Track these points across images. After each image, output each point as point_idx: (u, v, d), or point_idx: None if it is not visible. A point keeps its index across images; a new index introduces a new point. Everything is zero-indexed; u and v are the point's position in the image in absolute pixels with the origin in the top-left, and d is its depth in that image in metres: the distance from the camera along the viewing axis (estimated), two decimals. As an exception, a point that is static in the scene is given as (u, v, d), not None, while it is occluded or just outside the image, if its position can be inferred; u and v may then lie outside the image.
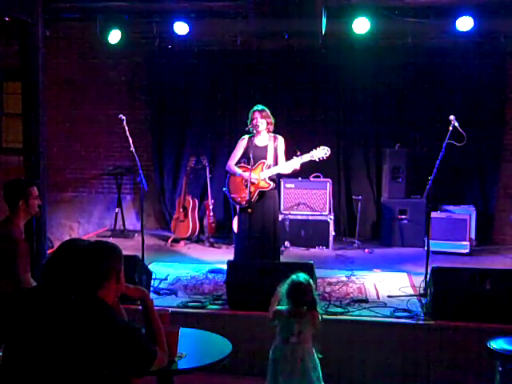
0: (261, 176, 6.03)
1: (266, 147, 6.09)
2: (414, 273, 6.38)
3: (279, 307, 3.79)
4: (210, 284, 6.01)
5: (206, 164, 8.22)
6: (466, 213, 7.79)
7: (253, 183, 6.00)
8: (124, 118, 5.98)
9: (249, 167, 5.96)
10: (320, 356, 3.78)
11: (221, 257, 7.05)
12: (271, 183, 6.07)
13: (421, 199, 7.78)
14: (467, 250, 7.53)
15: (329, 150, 6.02)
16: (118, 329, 2.60)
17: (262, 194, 6.05)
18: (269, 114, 6.08)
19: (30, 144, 6.12)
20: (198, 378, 3.72)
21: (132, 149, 5.97)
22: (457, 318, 4.82)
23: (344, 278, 6.22)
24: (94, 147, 9.31)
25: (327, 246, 7.89)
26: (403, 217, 8.08)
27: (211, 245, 8.10)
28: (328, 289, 5.78)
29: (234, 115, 8.72)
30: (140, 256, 5.57)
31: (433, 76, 8.37)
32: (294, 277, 3.79)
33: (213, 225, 8.23)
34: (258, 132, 6.08)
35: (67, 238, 6.59)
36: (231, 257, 6.38)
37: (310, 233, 7.94)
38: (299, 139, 7.99)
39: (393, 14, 6.42)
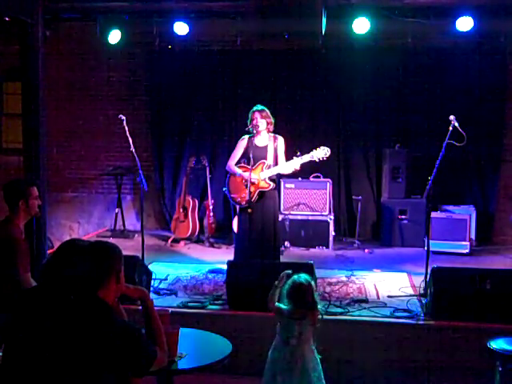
0: (261, 176, 6.02)
1: (265, 147, 6.09)
2: (413, 273, 6.38)
3: (280, 305, 3.78)
4: (210, 284, 6.01)
5: (206, 164, 8.22)
6: (466, 213, 7.79)
7: (253, 183, 6.00)
8: (124, 118, 5.98)
9: (249, 167, 5.96)
10: (320, 356, 3.77)
11: (221, 257, 7.05)
12: (271, 183, 6.06)
13: (421, 199, 7.77)
14: (467, 250, 7.53)
15: (329, 150, 6.02)
16: (118, 329, 2.60)
17: (262, 194, 6.05)
18: (269, 114, 6.08)
19: (30, 144, 6.13)
20: (198, 378, 3.73)
21: (132, 149, 5.98)
22: (457, 318, 4.82)
23: (344, 278, 6.22)
24: (94, 147, 9.30)
25: (327, 246, 7.89)
26: (403, 217, 8.08)
27: (211, 245, 8.10)
28: (328, 289, 5.78)
29: (233, 115, 8.72)
30: (140, 256, 5.57)
31: (433, 76, 8.38)
32: (295, 277, 3.78)
33: (213, 225, 8.23)
34: (258, 132, 6.08)
35: (67, 238, 6.58)
36: (231, 257, 6.38)
37: (310, 233, 7.94)
38: (299, 139, 8.02)
39: (393, 14, 6.41)
